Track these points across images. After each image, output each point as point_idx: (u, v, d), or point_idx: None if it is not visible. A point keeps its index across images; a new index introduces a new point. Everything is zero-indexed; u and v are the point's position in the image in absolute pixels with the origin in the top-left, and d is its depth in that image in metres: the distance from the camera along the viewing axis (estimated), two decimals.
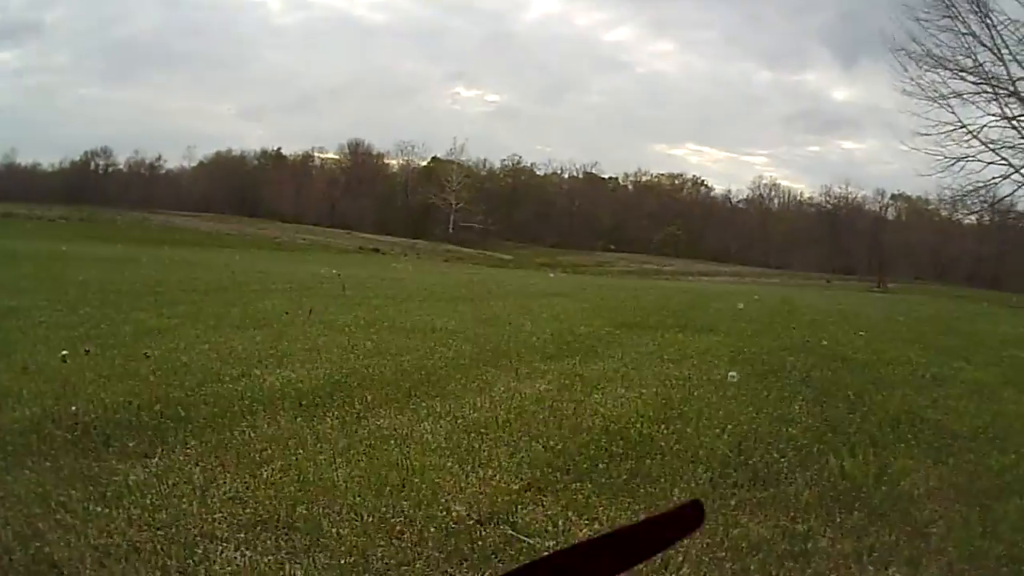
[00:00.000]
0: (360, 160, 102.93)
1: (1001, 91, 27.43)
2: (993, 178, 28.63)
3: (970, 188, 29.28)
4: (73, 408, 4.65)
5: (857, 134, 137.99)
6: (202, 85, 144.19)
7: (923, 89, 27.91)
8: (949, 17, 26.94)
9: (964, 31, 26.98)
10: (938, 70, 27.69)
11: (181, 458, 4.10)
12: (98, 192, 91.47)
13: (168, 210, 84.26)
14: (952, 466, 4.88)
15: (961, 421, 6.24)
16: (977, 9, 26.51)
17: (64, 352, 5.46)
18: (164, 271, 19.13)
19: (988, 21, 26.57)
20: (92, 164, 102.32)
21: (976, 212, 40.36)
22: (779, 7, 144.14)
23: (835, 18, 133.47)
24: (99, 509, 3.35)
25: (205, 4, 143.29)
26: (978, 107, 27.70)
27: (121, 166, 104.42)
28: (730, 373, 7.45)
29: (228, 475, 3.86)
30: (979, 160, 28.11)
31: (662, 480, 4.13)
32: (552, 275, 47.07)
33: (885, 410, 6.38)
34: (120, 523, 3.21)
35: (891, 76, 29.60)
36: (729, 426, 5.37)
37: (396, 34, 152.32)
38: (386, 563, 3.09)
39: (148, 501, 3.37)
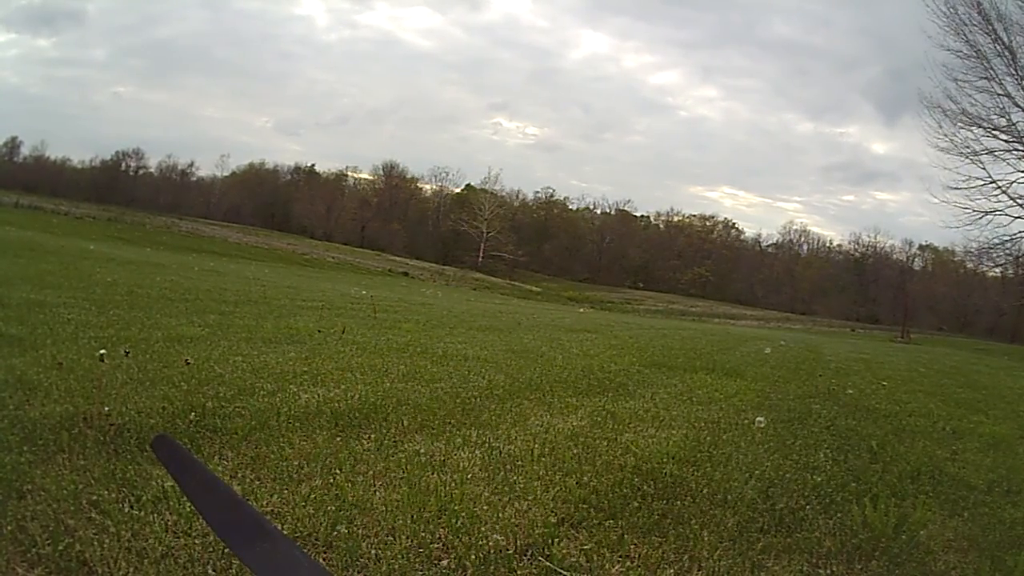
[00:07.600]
0: (393, 183, 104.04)
1: None
2: (1019, 232, 28.74)
3: (996, 241, 29.37)
4: (106, 409, 4.62)
5: (893, 186, 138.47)
6: (240, 95, 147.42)
7: (956, 145, 28.19)
8: (986, 79, 27.17)
9: (1000, 92, 27.21)
10: (972, 128, 27.87)
11: (218, 469, 4.09)
12: (127, 193, 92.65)
13: (197, 217, 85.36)
14: (967, 518, 4.93)
15: (977, 474, 6.27)
16: (1014, 72, 26.71)
17: (102, 351, 5.47)
18: (193, 279, 19.37)
19: None
20: (123, 164, 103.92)
21: (1001, 265, 40.59)
22: (828, 63, 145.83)
23: (882, 75, 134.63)
24: (134, 512, 3.34)
25: (249, 13, 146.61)
26: (1008, 164, 27.98)
27: (152, 169, 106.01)
28: (757, 419, 7.40)
29: (265, 490, 3.87)
30: (1007, 214, 28.28)
31: (692, 522, 4.12)
32: (581, 310, 47.27)
33: (906, 461, 6.39)
34: (156, 528, 3.21)
35: (928, 132, 29.53)
36: (756, 471, 5.36)
37: (442, 61, 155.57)
38: None
39: (185, 508, 3.34)
